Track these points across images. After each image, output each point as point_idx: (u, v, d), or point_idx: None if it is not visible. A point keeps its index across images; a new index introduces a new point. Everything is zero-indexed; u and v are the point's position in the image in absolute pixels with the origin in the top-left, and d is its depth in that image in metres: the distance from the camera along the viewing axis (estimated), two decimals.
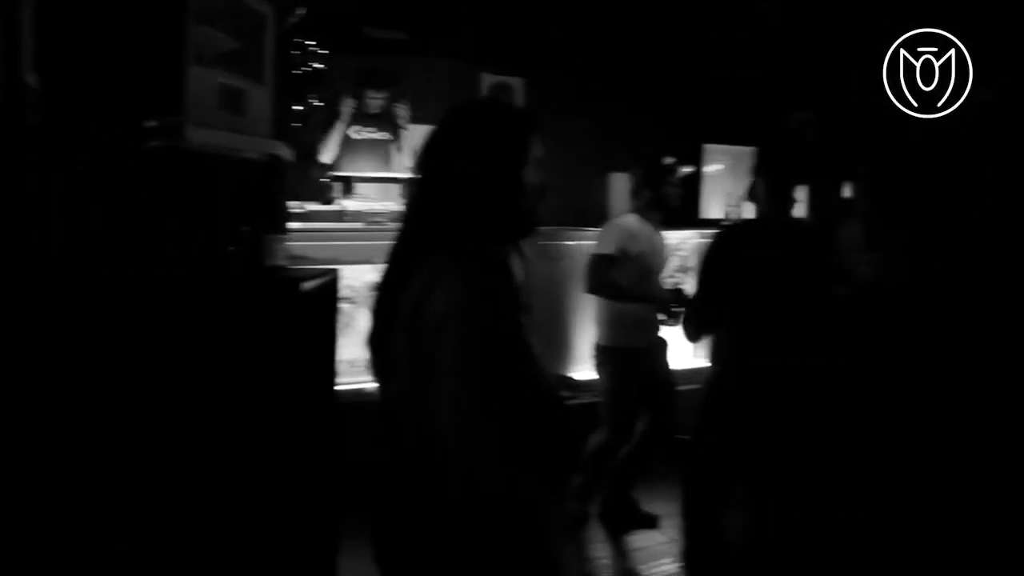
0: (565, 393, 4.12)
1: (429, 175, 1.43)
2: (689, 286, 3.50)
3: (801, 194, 4.91)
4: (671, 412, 3.66)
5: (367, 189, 4.57)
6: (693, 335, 2.73)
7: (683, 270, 4.61)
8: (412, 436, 1.32)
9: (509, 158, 1.40)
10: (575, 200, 4.90)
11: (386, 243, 1.47)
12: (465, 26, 5.54)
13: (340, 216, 4.15)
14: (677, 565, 3.34)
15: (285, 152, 2.21)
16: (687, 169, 3.62)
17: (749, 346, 2.55)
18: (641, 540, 3.70)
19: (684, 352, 3.66)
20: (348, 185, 4.55)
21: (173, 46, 1.72)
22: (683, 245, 4.69)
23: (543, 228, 1.48)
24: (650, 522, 3.82)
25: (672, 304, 3.42)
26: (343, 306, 3.27)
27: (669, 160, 3.56)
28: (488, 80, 5.74)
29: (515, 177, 1.40)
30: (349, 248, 3.61)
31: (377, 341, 1.44)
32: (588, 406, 3.73)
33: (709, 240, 2.74)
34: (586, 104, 5.86)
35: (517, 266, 1.44)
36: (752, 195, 2.71)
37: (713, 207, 5.79)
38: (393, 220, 3.73)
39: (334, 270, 2.28)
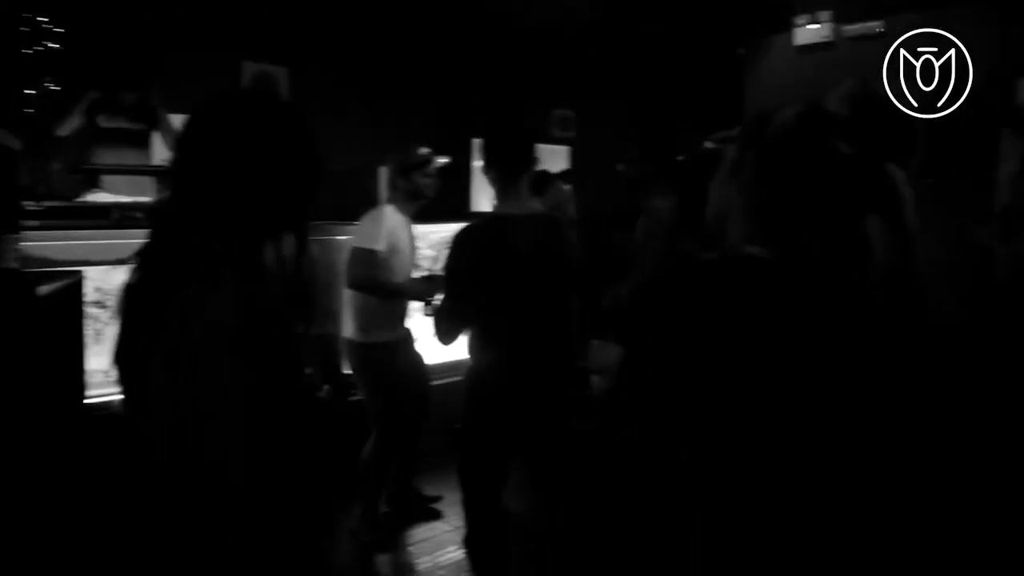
0: (342, 391, 4.04)
1: (191, 168, 1.33)
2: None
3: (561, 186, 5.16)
4: (425, 404, 3.71)
5: (117, 183, 4.18)
6: (444, 337, 2.69)
7: None
8: (169, 454, 1.22)
9: (278, 149, 1.33)
10: (345, 194, 4.82)
11: (139, 241, 1.36)
12: (225, 11, 5.25)
13: (85, 212, 3.77)
14: (462, 552, 3.41)
15: (13, 141, 1.97)
16: (442, 160, 3.58)
17: (504, 339, 2.62)
18: (425, 530, 3.73)
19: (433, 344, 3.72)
20: (94, 178, 4.14)
21: None
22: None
23: (311, 223, 1.43)
24: (433, 512, 3.87)
25: (430, 294, 3.46)
26: (93, 311, 2.99)
27: (423, 150, 3.52)
28: (251, 69, 5.49)
29: (284, 168, 1.34)
30: (98, 247, 3.30)
31: (128, 351, 1.32)
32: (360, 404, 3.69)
33: (450, 240, 2.72)
34: (354, 96, 5.78)
35: (307, 262, 1.38)
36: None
37: (483, 200, 5.95)
38: (147, 216, 3.45)
39: (78, 272, 2.07)
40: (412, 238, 3.62)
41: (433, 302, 3.51)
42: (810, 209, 1.36)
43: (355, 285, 3.41)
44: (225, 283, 1.19)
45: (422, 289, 3.47)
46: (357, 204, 3.71)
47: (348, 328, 3.57)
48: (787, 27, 4.95)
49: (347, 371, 3.77)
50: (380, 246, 3.38)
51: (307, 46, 5.55)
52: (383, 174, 4.43)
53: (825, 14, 4.79)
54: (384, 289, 3.45)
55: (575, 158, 7.06)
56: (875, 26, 4.55)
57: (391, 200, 3.57)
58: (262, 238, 1.32)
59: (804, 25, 4.88)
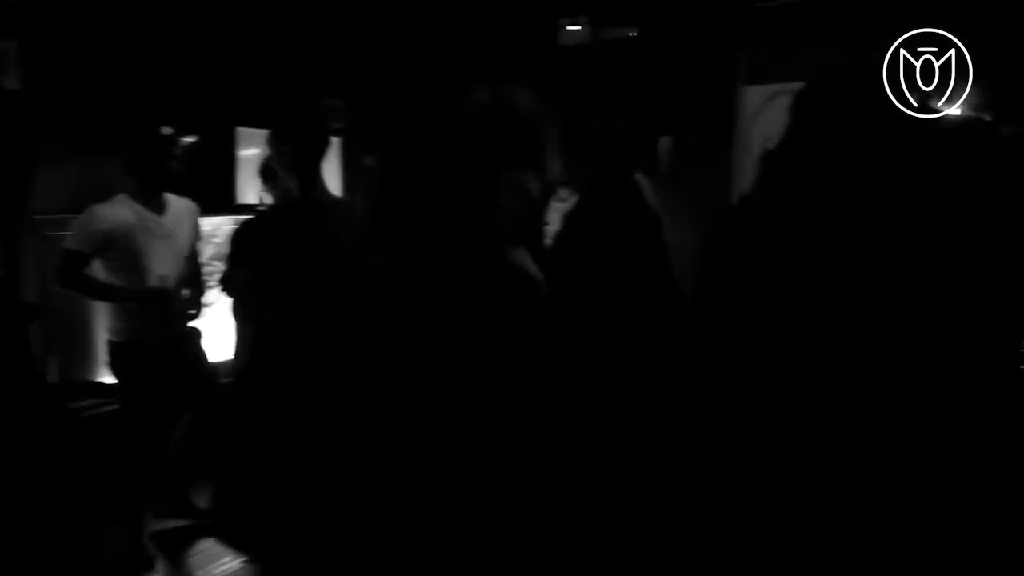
0: (95, 400, 3.70)
1: None
2: (172, 281, 3.32)
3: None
4: (215, 405, 3.47)
5: None
6: (243, 327, 2.59)
7: (219, 257, 4.42)
8: None
9: None
10: (91, 183, 4.40)
11: None
12: None
13: None
14: (238, 563, 3.28)
15: None
16: (188, 139, 3.34)
17: (271, 334, 2.54)
18: (199, 543, 3.54)
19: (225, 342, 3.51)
20: None
21: None
22: (218, 231, 4.50)
23: (45, 217, 1.30)
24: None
25: (155, 301, 3.23)
26: None
27: (166, 130, 3.24)
28: None
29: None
30: None
31: None
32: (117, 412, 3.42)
33: (232, 235, 2.61)
34: (100, 75, 5.27)
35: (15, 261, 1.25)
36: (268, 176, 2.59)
37: (249, 192, 5.69)
38: None
39: None
40: (170, 226, 3.33)
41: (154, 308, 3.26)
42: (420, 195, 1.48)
43: (62, 285, 3.16)
44: None
45: (146, 298, 3.21)
46: (106, 195, 3.34)
47: (107, 324, 3.31)
48: (555, 28, 5.22)
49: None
50: (84, 247, 3.11)
51: (42, 16, 4.99)
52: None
53: (583, 18, 5.10)
54: (95, 292, 3.22)
55: (346, 149, 6.94)
56: (628, 31, 4.93)
57: (128, 188, 3.26)
58: None
59: (565, 27, 5.18)
